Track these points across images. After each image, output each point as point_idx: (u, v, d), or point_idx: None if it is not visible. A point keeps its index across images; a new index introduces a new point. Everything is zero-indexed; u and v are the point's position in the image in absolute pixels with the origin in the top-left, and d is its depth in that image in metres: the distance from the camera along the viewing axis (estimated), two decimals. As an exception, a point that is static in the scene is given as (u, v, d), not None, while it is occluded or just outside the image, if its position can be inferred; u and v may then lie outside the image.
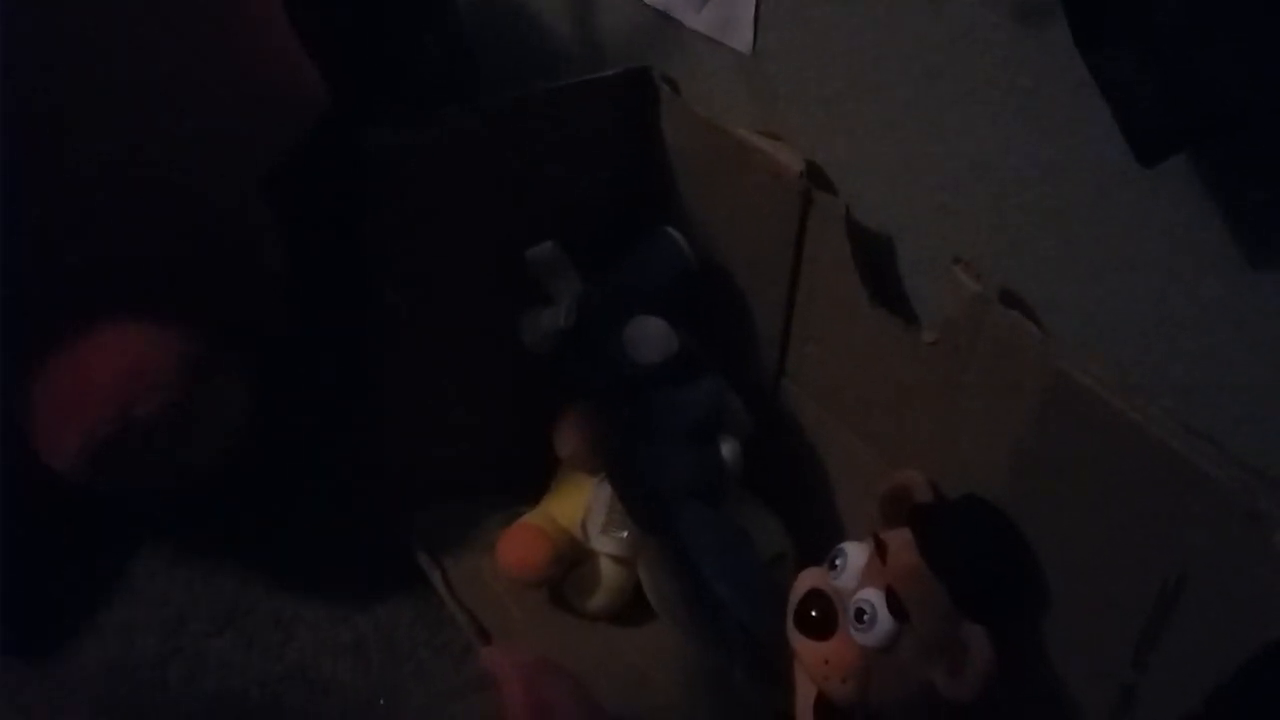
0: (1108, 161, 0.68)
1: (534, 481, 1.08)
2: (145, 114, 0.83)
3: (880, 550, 0.80)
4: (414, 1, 1.34)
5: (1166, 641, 0.67)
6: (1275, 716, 0.56)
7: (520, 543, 1.02)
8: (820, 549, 0.86)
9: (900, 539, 0.81)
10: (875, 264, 0.89)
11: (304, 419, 1.08)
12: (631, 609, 1.03)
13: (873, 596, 0.78)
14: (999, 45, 0.73)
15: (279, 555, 1.09)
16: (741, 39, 0.94)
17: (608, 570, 1.02)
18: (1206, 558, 0.64)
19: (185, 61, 0.84)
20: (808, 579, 0.84)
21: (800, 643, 0.82)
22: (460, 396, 1.05)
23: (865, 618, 0.78)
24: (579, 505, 1.03)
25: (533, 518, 1.05)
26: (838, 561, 0.83)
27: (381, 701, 0.98)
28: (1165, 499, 0.66)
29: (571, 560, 1.02)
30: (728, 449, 0.95)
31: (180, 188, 0.87)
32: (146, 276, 0.88)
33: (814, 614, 0.81)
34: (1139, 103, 0.60)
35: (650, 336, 0.95)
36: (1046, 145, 0.73)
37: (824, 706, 0.84)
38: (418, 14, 1.32)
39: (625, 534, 1.00)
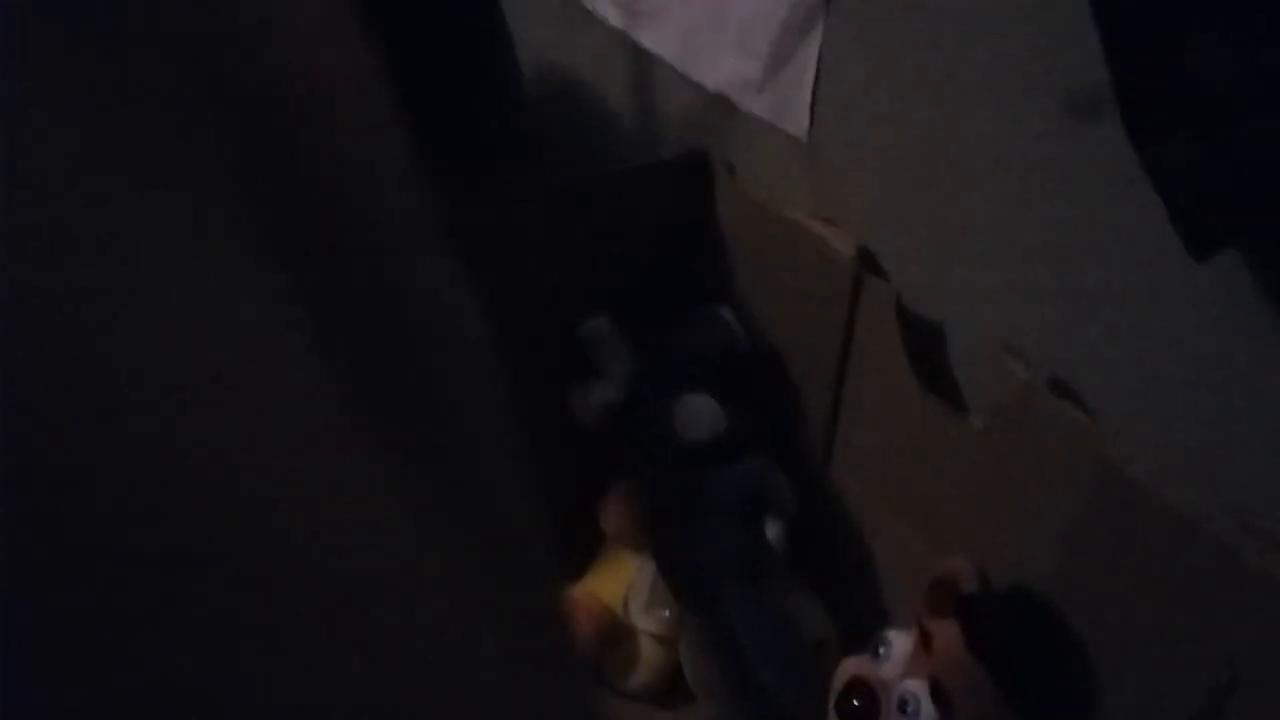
0: (1160, 252, 0.68)
1: (581, 557, 1.08)
2: None
3: (925, 640, 0.79)
4: (479, 68, 1.39)
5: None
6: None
7: (563, 616, 1.02)
8: (863, 635, 0.85)
9: (946, 629, 0.79)
10: (925, 350, 0.89)
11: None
12: (671, 689, 1.01)
13: (917, 687, 0.77)
14: (1051, 136, 0.74)
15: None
16: (798, 124, 0.96)
17: (648, 649, 1.01)
18: (1259, 655, 0.62)
19: None
20: (851, 667, 0.83)
21: (841, 731, 0.81)
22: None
23: (909, 709, 0.76)
24: (622, 582, 1.02)
25: (576, 592, 1.05)
26: (881, 650, 0.81)
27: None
28: (1215, 594, 0.64)
29: (612, 637, 1.02)
30: (773, 530, 0.94)
31: None
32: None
33: (856, 703, 0.80)
34: (1191, 193, 0.61)
35: (699, 414, 0.95)
36: (1099, 235, 0.73)
37: (865, 798, 0.82)
38: (478, 88, 1.36)
39: (668, 613, 0.99)
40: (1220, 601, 0.64)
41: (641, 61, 1.12)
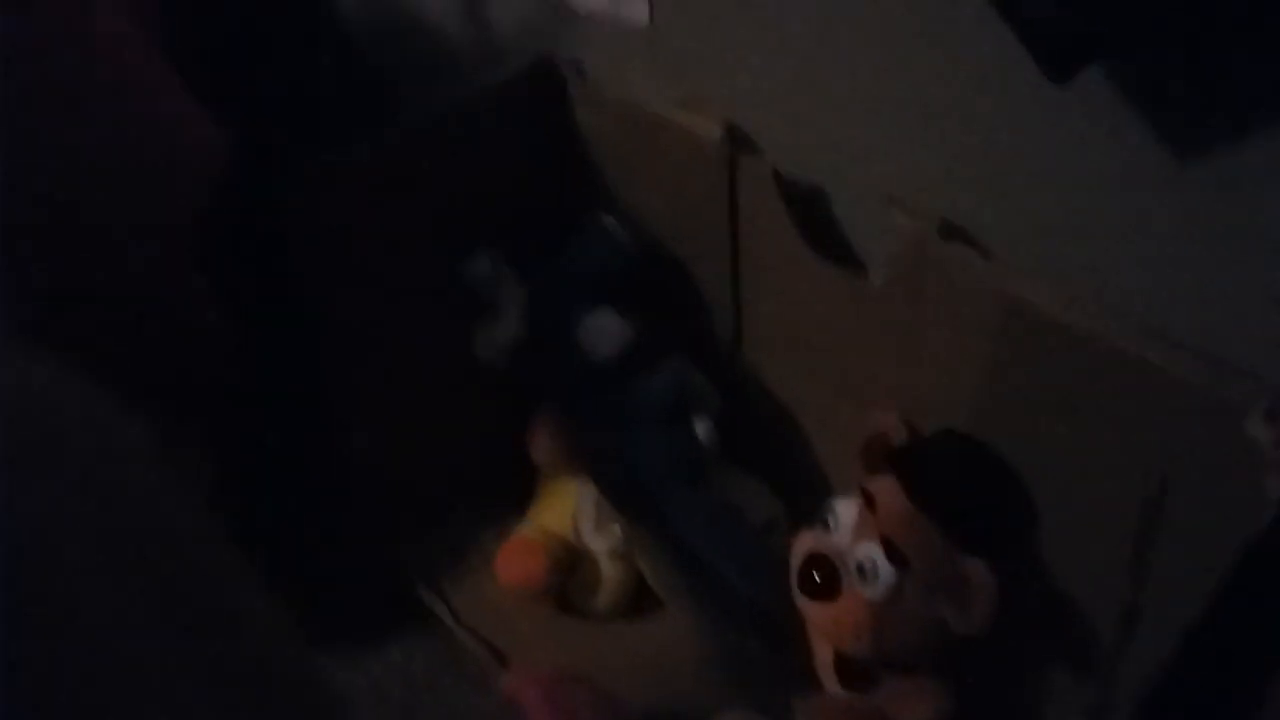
0: (1024, 80, 0.67)
1: (518, 492, 1.08)
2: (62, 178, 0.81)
3: (869, 501, 0.80)
4: (302, 26, 1.31)
5: (1159, 551, 0.67)
6: (1266, 616, 0.57)
7: (517, 557, 1.02)
8: (810, 507, 0.86)
9: (886, 486, 0.80)
10: (811, 216, 0.88)
11: (271, 470, 1.06)
12: (639, 602, 1.02)
13: (870, 550, 0.78)
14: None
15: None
16: (636, 12, 0.92)
17: (607, 567, 1.02)
18: (1184, 457, 0.64)
19: (81, 136, 0.82)
20: (805, 542, 0.84)
21: (808, 606, 0.82)
22: (427, 419, 1.04)
23: (867, 572, 0.78)
24: (567, 509, 1.02)
25: (524, 530, 1.04)
26: (829, 519, 0.82)
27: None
28: (1133, 405, 0.66)
29: (570, 565, 1.02)
30: (701, 427, 0.94)
31: (104, 249, 0.85)
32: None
33: (817, 577, 0.81)
34: (1040, 17, 0.59)
35: (603, 330, 0.94)
36: (960, 72, 0.72)
37: (844, 662, 0.84)
38: (307, 38, 1.29)
39: (617, 529, 0.99)
40: (1137, 412, 0.65)
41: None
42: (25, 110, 0.78)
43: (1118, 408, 0.67)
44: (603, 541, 1.00)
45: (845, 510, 0.82)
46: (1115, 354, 0.66)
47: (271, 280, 0.96)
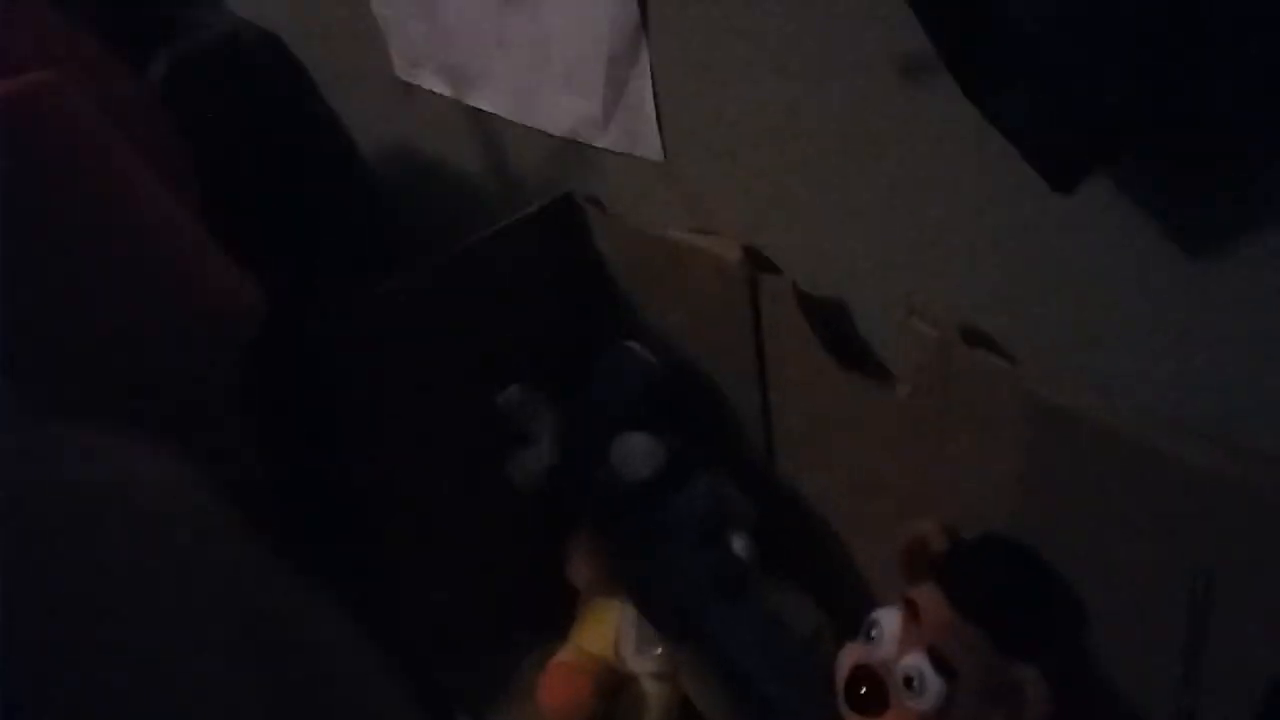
0: (1034, 189, 0.70)
1: (559, 617, 1.08)
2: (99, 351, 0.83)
3: (912, 611, 0.80)
4: (328, 179, 1.36)
5: (1211, 651, 0.67)
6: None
7: (559, 683, 1.01)
8: (853, 621, 0.85)
9: (929, 594, 0.80)
10: (835, 331, 0.90)
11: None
12: (685, 722, 1.01)
13: (917, 661, 0.78)
14: (897, 103, 0.75)
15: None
16: (651, 147, 0.96)
17: (651, 689, 1.01)
18: (1228, 556, 0.64)
19: (120, 299, 0.85)
20: (850, 655, 0.83)
21: (857, 722, 0.81)
22: (467, 549, 1.05)
23: (914, 684, 0.77)
24: (608, 631, 1.02)
25: (565, 654, 1.04)
26: (874, 632, 0.82)
27: None
28: (1172, 503, 0.66)
29: (614, 688, 1.01)
30: (738, 542, 0.95)
31: (140, 401, 0.87)
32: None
33: (864, 691, 0.80)
34: (1035, 136, 0.62)
35: (636, 453, 0.95)
36: (969, 185, 0.74)
37: (895, 779, 0.83)
38: (332, 190, 1.34)
39: (659, 649, 0.99)
40: (1177, 510, 0.66)
41: (483, 120, 1.11)
42: (60, 268, 0.80)
43: (1157, 507, 0.67)
44: (645, 663, 1.00)
45: (889, 621, 0.81)
46: (1149, 452, 0.66)
47: (309, 419, 0.98)
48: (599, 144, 1.00)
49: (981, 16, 0.60)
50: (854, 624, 0.85)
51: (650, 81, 0.91)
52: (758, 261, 0.92)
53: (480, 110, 1.10)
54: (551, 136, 1.03)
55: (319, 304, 0.95)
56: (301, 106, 1.37)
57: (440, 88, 1.12)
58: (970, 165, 0.74)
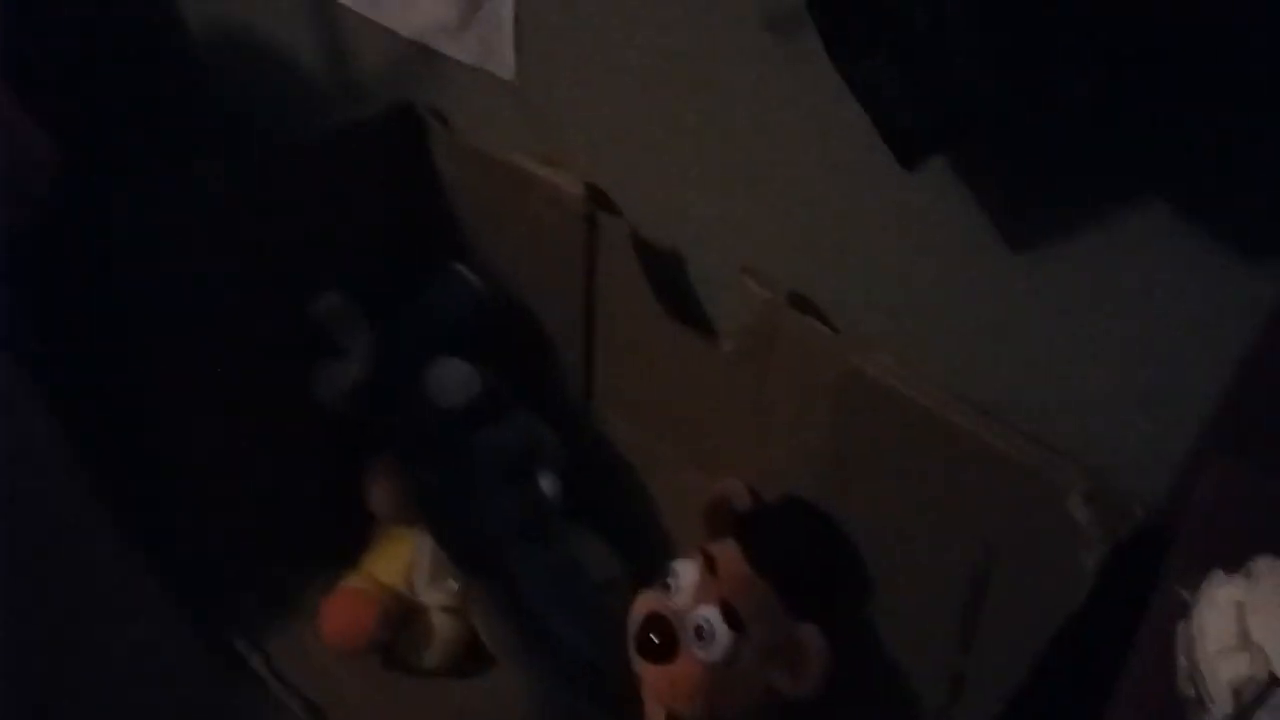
0: (874, 163, 0.70)
1: (351, 543, 1.04)
2: None
3: (710, 564, 0.81)
4: (144, 39, 1.26)
5: (985, 620, 0.70)
6: (1085, 680, 0.60)
7: (344, 609, 0.98)
8: (652, 569, 0.86)
9: (727, 550, 0.81)
10: (667, 280, 0.89)
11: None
12: (469, 659, 1.00)
13: (709, 613, 0.78)
14: (759, 55, 0.74)
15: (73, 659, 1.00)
16: (504, 65, 0.92)
17: (440, 622, 0.99)
18: (1009, 532, 0.67)
19: None
20: (645, 603, 0.83)
21: (644, 668, 0.82)
22: (256, 463, 0.99)
23: (704, 635, 0.78)
24: (402, 560, 0.99)
25: (354, 580, 1.00)
26: (671, 581, 0.82)
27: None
28: (963, 479, 0.69)
29: (401, 619, 0.98)
30: (546, 482, 0.93)
31: None
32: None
33: (654, 638, 0.81)
34: (892, 107, 0.62)
35: (452, 379, 0.92)
36: (817, 149, 0.75)
37: (675, 725, 0.84)
38: (148, 52, 1.24)
39: (454, 583, 0.97)
40: (968, 486, 0.69)
41: (329, 10, 1.04)
42: None
43: (950, 481, 0.70)
44: (437, 596, 0.98)
45: (686, 572, 0.82)
46: (949, 429, 0.69)
47: (94, 301, 0.91)
48: (449, 52, 0.95)
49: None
50: (652, 573, 0.85)
51: (513, -5, 0.87)
52: (599, 200, 0.90)
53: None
54: (400, 37, 0.98)
55: (121, 180, 0.87)
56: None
57: (286, -32, 1.04)
58: (821, 134, 0.74)
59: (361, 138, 0.96)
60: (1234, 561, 0.50)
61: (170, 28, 1.24)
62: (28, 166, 0.86)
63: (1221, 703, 0.47)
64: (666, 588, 0.82)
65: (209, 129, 1.21)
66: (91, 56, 1.21)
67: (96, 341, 0.92)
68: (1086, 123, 0.60)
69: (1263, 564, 0.50)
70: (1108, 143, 0.60)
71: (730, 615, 0.78)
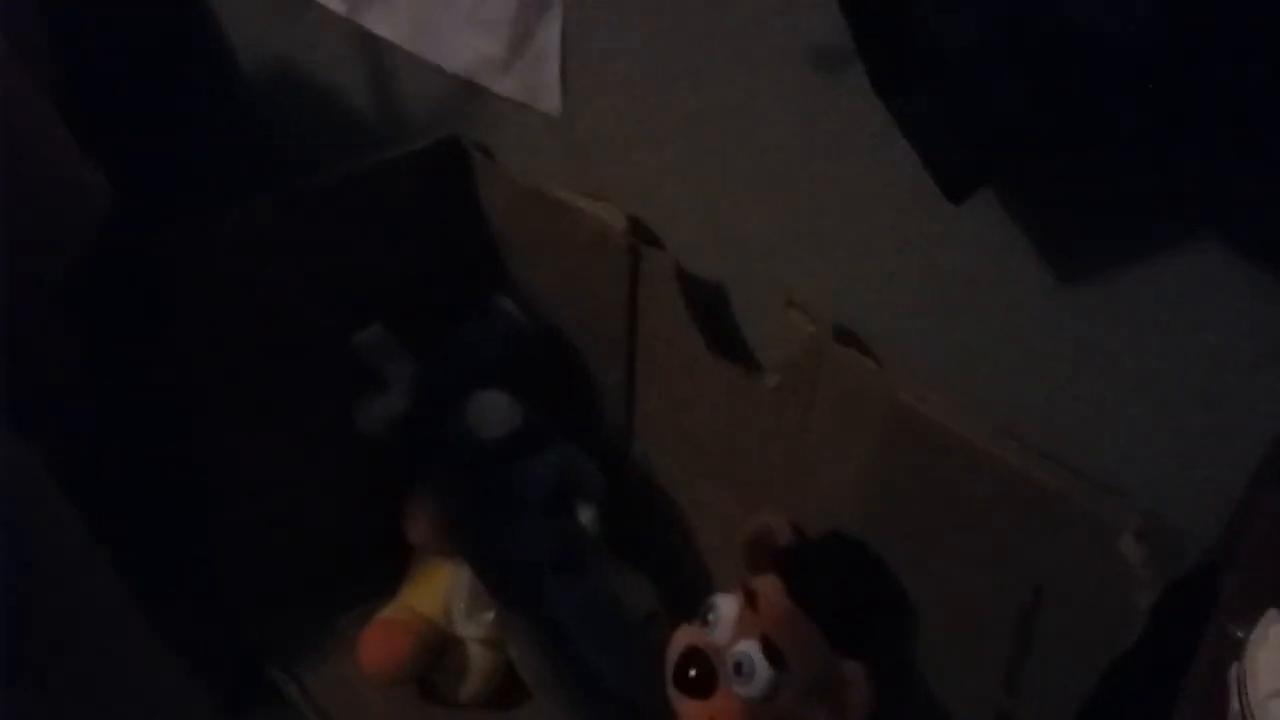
0: (923, 198, 0.70)
1: (389, 573, 1.04)
2: None
3: (750, 599, 0.80)
4: (199, 79, 1.29)
5: (1033, 659, 0.69)
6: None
7: (381, 639, 0.98)
8: (691, 602, 0.85)
9: (769, 585, 0.81)
10: (711, 313, 0.89)
11: (129, 536, 1.00)
12: (506, 692, 0.99)
13: (749, 648, 0.78)
14: (805, 90, 0.75)
15: (114, 683, 1.00)
16: (550, 101, 0.93)
17: (476, 654, 0.98)
18: (1059, 571, 0.66)
19: None
20: (683, 638, 0.83)
21: (682, 703, 0.81)
22: (298, 493, 1.00)
23: (744, 670, 0.77)
24: (439, 592, 0.99)
25: (391, 611, 1.00)
26: (710, 616, 0.82)
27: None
28: (1012, 517, 0.68)
29: (438, 650, 0.98)
30: (585, 515, 0.93)
31: None
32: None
33: (693, 673, 0.80)
34: (938, 140, 0.63)
35: (492, 411, 0.92)
36: (862, 183, 0.75)
37: (713, 763, 0.83)
38: (203, 92, 1.26)
39: (491, 615, 0.96)
40: (1017, 524, 0.68)
41: (374, 47, 1.06)
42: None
43: (998, 519, 0.69)
44: (474, 628, 0.97)
45: (726, 607, 0.81)
46: (998, 466, 0.68)
47: (146, 334, 0.92)
48: (496, 89, 0.96)
49: (903, 19, 0.61)
50: (692, 607, 0.85)
51: (559, 33, 0.89)
52: (642, 233, 0.90)
53: (374, 35, 1.05)
54: (446, 74, 0.99)
55: (172, 216, 0.89)
56: (180, 9, 1.29)
57: (335, 5, 1.06)
58: (866, 168, 0.74)
59: (407, 170, 0.98)
60: (1292, 601, 0.49)
61: (221, 67, 1.27)
62: (79, 201, 0.88)
63: (1276, 745, 0.46)
64: (706, 622, 0.82)
65: (258, 167, 1.23)
66: (142, 94, 1.24)
67: (140, 367, 0.94)
68: (1137, 156, 0.60)
69: (1321, 604, 0.49)
70: (1159, 177, 0.60)
71: (771, 651, 0.77)
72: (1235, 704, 0.48)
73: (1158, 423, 0.65)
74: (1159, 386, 0.64)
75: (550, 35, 0.89)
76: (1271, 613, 0.50)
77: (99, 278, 0.89)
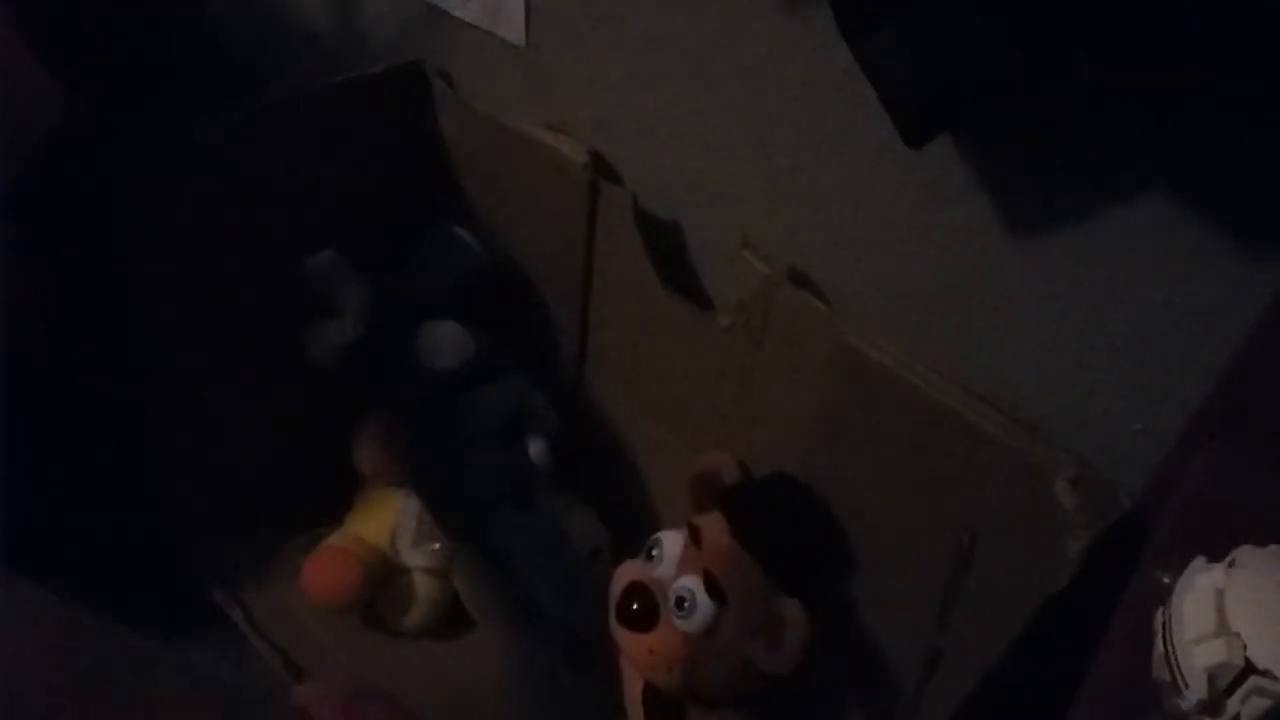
0: (880, 141, 0.70)
1: (336, 501, 1.04)
2: None
3: (694, 536, 0.81)
4: (156, 2, 1.25)
5: (965, 599, 0.70)
6: (1062, 662, 0.60)
7: (326, 566, 0.98)
8: (637, 538, 0.86)
9: (713, 522, 0.82)
10: (666, 251, 0.89)
11: (68, 455, 0.99)
12: (449, 621, 1.00)
13: (691, 583, 0.79)
14: (769, 29, 0.74)
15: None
16: (514, 30, 0.91)
17: (422, 584, 0.99)
18: (995, 514, 0.67)
19: None
20: (627, 572, 0.84)
21: (624, 636, 0.82)
22: (245, 419, 0.99)
23: (686, 605, 0.78)
24: (386, 521, 0.99)
25: (337, 539, 1.00)
26: (654, 551, 0.83)
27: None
28: (952, 460, 0.69)
29: (383, 578, 0.98)
30: (535, 448, 0.93)
31: None
32: None
33: (635, 607, 0.81)
34: (901, 83, 0.62)
35: (445, 341, 0.92)
36: (823, 127, 0.75)
37: (651, 694, 0.84)
38: (161, 14, 1.23)
39: (437, 545, 0.97)
40: (956, 467, 0.69)
41: (336, -34, 1.03)
42: None
43: (938, 462, 0.70)
44: (420, 557, 0.98)
45: (670, 543, 0.82)
46: (939, 410, 0.69)
47: (91, 250, 0.90)
48: (458, 13, 0.94)
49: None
50: (638, 543, 0.85)
51: (525, -42, 0.87)
52: (602, 168, 0.90)
53: (336, -45, 1.02)
54: (409, -1, 0.97)
55: (122, 129, 0.87)
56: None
57: (296, -79, 1.03)
58: (827, 111, 0.74)
59: (365, 93, 0.96)
60: (1216, 549, 0.51)
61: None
62: (29, 107, 0.85)
63: (1196, 688, 0.48)
64: (650, 558, 0.83)
65: (214, 85, 1.20)
66: (100, 5, 1.20)
67: (86, 285, 0.92)
68: (1094, 106, 0.60)
69: (1244, 552, 0.50)
70: (1112, 130, 0.60)
71: (713, 586, 0.78)
72: (1160, 647, 0.49)
73: (1100, 374, 0.66)
74: (1103, 338, 0.65)
75: (515, -40, 0.87)
76: (1198, 561, 0.51)
77: (46, 190, 0.87)
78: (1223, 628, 0.48)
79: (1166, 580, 0.52)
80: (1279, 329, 0.56)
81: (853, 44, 0.63)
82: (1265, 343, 0.57)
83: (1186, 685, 0.48)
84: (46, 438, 0.94)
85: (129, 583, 1.02)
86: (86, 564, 1.02)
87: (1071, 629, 0.59)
